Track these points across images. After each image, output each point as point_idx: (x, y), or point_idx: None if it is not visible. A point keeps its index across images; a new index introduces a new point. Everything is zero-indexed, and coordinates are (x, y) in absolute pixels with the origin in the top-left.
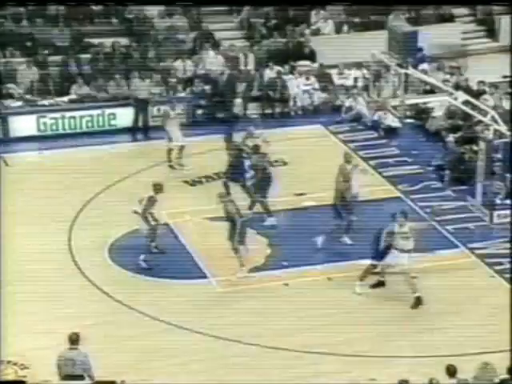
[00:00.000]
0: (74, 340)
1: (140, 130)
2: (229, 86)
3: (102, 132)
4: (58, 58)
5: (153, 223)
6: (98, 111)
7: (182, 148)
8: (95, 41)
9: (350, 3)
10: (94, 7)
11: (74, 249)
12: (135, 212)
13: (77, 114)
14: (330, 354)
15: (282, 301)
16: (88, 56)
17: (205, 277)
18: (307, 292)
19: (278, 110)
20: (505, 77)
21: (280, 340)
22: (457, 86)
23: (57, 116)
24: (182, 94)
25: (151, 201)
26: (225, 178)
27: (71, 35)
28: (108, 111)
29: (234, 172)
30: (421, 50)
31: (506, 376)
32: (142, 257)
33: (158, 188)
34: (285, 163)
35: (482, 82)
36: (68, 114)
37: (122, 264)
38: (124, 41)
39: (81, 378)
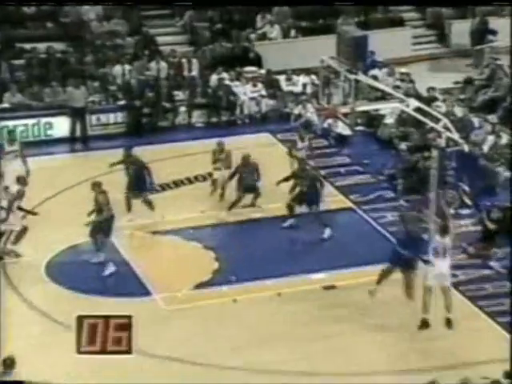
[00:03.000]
0: (9, 365)
1: (78, 140)
2: (139, 92)
3: (37, 142)
4: None
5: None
6: (33, 120)
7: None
8: (28, 46)
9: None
10: (26, 9)
11: (7, 265)
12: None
13: (10, 123)
14: (279, 372)
15: (231, 317)
16: (21, 62)
17: (149, 294)
18: (256, 308)
19: (224, 118)
20: (456, 82)
21: (227, 358)
22: (407, 93)
23: None
24: (122, 102)
25: (20, 192)
26: (126, 192)
27: (2, 39)
28: (44, 120)
29: (137, 185)
30: (372, 54)
31: None
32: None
33: (22, 181)
34: None
35: (432, 89)
36: (0, 124)
37: (60, 281)
38: (59, 46)
39: None
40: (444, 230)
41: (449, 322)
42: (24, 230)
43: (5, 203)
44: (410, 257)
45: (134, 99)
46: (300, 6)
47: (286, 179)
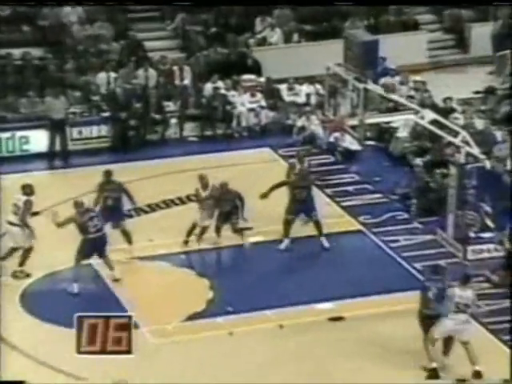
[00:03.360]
0: None
1: (58, 156)
2: (126, 103)
3: (12, 158)
4: None
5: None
6: (8, 134)
7: None
8: (2, 51)
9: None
10: (0, 12)
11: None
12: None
13: None
14: None
15: (226, 353)
16: None
17: (136, 326)
18: (255, 342)
19: (219, 131)
20: (477, 92)
21: None
22: (422, 104)
23: None
24: (107, 114)
25: (28, 204)
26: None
27: None
28: (19, 134)
29: (114, 215)
30: (383, 60)
31: None
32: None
33: (28, 190)
34: None
35: (449, 99)
36: None
37: (36, 313)
38: (37, 52)
39: None
40: (465, 281)
41: (478, 374)
42: (29, 249)
43: (14, 218)
44: (435, 314)
45: (119, 110)
46: (300, 6)
47: (280, 185)
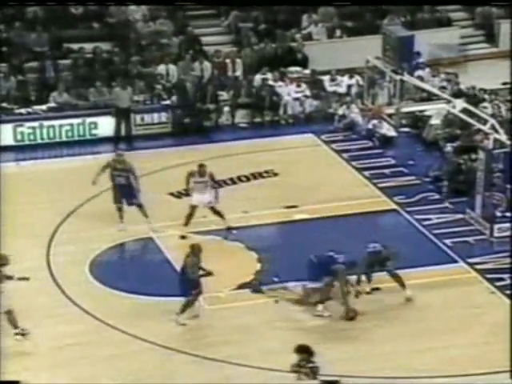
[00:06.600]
0: None
1: (123, 140)
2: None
3: (82, 142)
4: (35, 64)
5: None
6: (79, 120)
7: None
8: (75, 46)
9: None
10: (74, 10)
11: (52, 264)
12: None
13: (56, 122)
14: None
15: (273, 318)
16: (68, 62)
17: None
18: (299, 309)
19: (267, 118)
20: (504, 83)
21: (269, 360)
22: (454, 94)
23: (35, 125)
24: (168, 102)
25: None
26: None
27: (50, 40)
28: (89, 120)
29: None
30: (418, 54)
31: None
32: None
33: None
34: (275, 174)
35: (482, 90)
36: (46, 123)
37: (103, 281)
38: (106, 46)
39: None
40: None
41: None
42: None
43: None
44: None
45: (184, 99)
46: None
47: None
